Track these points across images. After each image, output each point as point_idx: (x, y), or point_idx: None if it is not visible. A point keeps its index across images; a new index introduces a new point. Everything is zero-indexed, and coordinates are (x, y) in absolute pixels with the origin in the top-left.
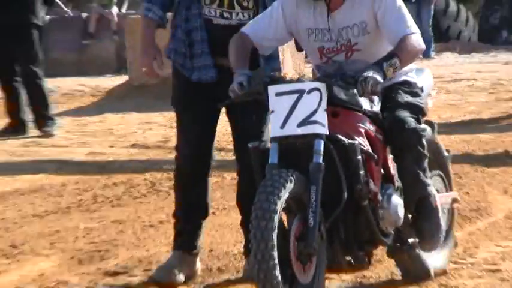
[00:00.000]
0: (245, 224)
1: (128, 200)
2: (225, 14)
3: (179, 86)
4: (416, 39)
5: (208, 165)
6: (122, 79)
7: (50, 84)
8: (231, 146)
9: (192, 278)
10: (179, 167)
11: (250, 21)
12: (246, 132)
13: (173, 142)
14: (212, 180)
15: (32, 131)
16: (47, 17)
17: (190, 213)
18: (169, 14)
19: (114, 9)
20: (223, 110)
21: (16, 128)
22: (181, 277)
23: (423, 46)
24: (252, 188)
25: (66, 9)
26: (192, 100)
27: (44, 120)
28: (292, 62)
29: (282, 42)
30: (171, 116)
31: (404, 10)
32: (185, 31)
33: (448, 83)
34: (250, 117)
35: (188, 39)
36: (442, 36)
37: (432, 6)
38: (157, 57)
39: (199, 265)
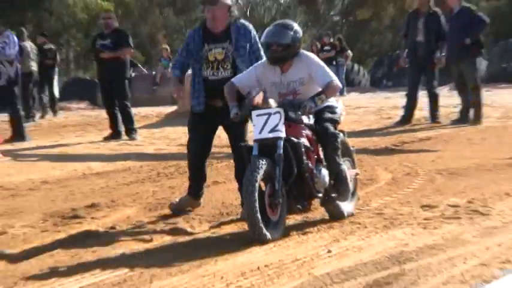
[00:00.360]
0: (240, 188)
1: (176, 175)
2: (215, 74)
3: (190, 114)
4: (336, 83)
5: (205, 158)
6: (173, 108)
7: (134, 110)
8: None
9: (196, 208)
10: (189, 158)
11: (237, 76)
12: (236, 137)
13: None
14: (222, 163)
15: (124, 137)
16: (133, 74)
17: (196, 179)
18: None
19: (170, 69)
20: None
21: (114, 135)
22: (187, 207)
23: (340, 86)
24: (243, 168)
25: (143, 69)
26: (194, 123)
27: (130, 131)
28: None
29: (254, 88)
30: None
31: (327, 68)
32: (193, 84)
33: (353, 109)
34: (237, 129)
35: (194, 88)
36: (349, 83)
37: (344, 67)
38: (180, 91)
39: (201, 203)
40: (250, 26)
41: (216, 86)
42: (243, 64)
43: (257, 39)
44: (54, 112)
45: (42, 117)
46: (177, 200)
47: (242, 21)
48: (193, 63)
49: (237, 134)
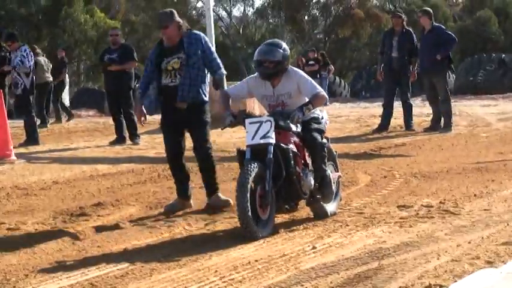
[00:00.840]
0: (204, 169)
1: None
2: (173, 81)
3: (161, 117)
4: (322, 94)
5: (181, 157)
6: None
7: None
8: (229, 149)
9: (188, 208)
10: (168, 160)
11: (231, 86)
12: (199, 139)
13: None
14: (216, 166)
15: (128, 142)
16: (137, 85)
17: (179, 180)
18: None
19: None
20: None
21: (119, 140)
22: (180, 206)
23: (326, 97)
24: (205, 167)
25: None
26: (165, 125)
27: (134, 136)
28: (258, 107)
29: (245, 98)
30: None
31: (312, 80)
32: (157, 90)
33: (336, 118)
34: (200, 132)
35: (159, 96)
36: (332, 94)
37: (327, 80)
38: (142, 112)
39: (192, 203)
40: (201, 35)
41: (175, 91)
42: (194, 69)
43: (209, 46)
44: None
45: (56, 122)
46: (171, 202)
47: (194, 32)
48: (156, 74)
49: (199, 138)
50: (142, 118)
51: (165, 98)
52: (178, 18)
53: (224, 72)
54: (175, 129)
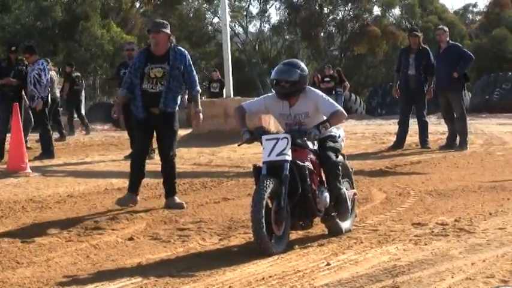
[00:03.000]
0: (165, 172)
1: (190, 191)
2: (153, 87)
3: (134, 118)
4: (341, 112)
5: (145, 156)
6: (188, 130)
7: None
8: (244, 165)
9: (135, 204)
10: (132, 157)
11: (248, 101)
12: (165, 147)
13: (215, 163)
14: (232, 181)
15: None
16: None
17: (136, 176)
18: None
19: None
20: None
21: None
22: (129, 202)
23: (345, 115)
24: (168, 174)
25: None
26: (137, 125)
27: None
28: (274, 123)
29: (261, 115)
30: (214, 149)
31: (330, 99)
32: (134, 95)
33: (351, 135)
34: (168, 140)
35: (136, 99)
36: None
37: (343, 97)
38: (119, 112)
39: (138, 199)
40: (186, 52)
41: (153, 97)
42: (175, 82)
43: (191, 63)
44: (86, 127)
45: (70, 134)
46: (122, 196)
47: (179, 48)
48: (138, 78)
49: (166, 144)
50: (115, 115)
51: (143, 102)
52: (169, 31)
53: (199, 90)
54: (146, 132)
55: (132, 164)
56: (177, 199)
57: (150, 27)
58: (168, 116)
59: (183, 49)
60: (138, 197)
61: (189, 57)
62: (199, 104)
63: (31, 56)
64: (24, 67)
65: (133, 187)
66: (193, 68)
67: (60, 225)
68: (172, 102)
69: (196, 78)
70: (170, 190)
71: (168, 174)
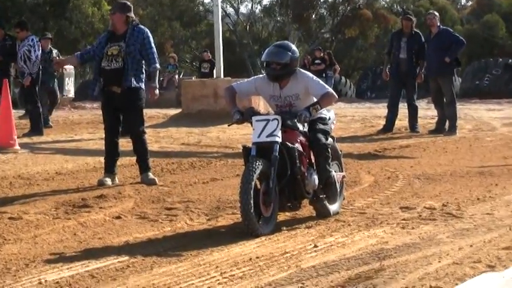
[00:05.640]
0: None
1: (178, 171)
2: (109, 65)
3: (101, 101)
4: (331, 94)
5: (117, 135)
6: (178, 110)
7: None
8: (233, 146)
9: (114, 182)
10: (105, 137)
11: (238, 82)
12: (132, 122)
13: (204, 143)
14: (220, 162)
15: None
16: None
17: (110, 156)
18: None
19: (176, 75)
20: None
21: (124, 133)
22: (109, 182)
23: (336, 96)
24: (136, 144)
25: None
26: (103, 105)
27: None
28: (264, 104)
29: (251, 96)
30: (203, 129)
31: (320, 81)
32: (96, 72)
33: (340, 117)
34: (133, 115)
35: (94, 77)
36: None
37: (333, 79)
38: (61, 66)
39: (117, 180)
40: (145, 30)
41: (110, 74)
42: (130, 58)
43: (150, 40)
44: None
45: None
46: (101, 178)
47: (140, 26)
48: (98, 56)
49: (132, 122)
50: (56, 66)
51: (104, 80)
52: (129, 13)
53: (158, 66)
54: (112, 110)
55: (105, 144)
56: (151, 175)
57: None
58: (129, 93)
59: (143, 27)
60: (116, 177)
61: (148, 34)
62: (156, 80)
63: (22, 31)
64: (10, 42)
65: (109, 167)
66: (152, 45)
67: (48, 202)
68: (133, 79)
69: (155, 56)
70: (143, 166)
71: (139, 151)
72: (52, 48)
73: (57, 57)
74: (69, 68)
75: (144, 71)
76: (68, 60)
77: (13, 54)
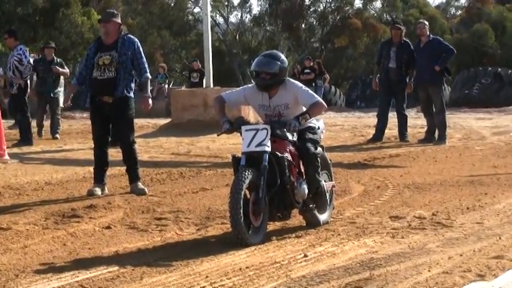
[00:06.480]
0: (126, 160)
1: (168, 181)
2: (102, 74)
3: (90, 111)
4: (320, 103)
5: (106, 145)
6: (168, 120)
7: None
8: (223, 155)
9: (104, 192)
10: (94, 147)
11: (227, 91)
12: (122, 132)
13: (194, 153)
14: (210, 171)
15: None
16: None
17: (100, 165)
18: None
19: (166, 85)
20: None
21: (113, 143)
22: (98, 192)
23: (325, 106)
24: (125, 154)
25: None
26: (92, 115)
27: None
28: (253, 114)
29: (240, 106)
30: (193, 139)
31: (309, 90)
32: (88, 84)
33: (330, 127)
34: (123, 125)
35: (86, 87)
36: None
37: (322, 89)
38: (67, 101)
39: (106, 190)
40: (135, 40)
41: (102, 84)
42: (123, 68)
43: (140, 50)
44: None
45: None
46: (91, 187)
47: (130, 36)
48: (89, 68)
49: (122, 132)
50: (65, 104)
51: (94, 90)
52: (119, 21)
53: (149, 76)
54: (102, 120)
55: (94, 154)
56: (140, 185)
57: (100, 17)
58: (120, 103)
59: (133, 37)
60: (106, 187)
61: (138, 44)
62: (148, 90)
63: (10, 38)
64: None
65: (98, 177)
66: (142, 55)
67: (38, 212)
68: (122, 89)
69: (146, 65)
70: (133, 176)
71: (129, 161)
72: (55, 58)
73: (57, 67)
74: (60, 78)
75: (134, 80)
76: (70, 92)
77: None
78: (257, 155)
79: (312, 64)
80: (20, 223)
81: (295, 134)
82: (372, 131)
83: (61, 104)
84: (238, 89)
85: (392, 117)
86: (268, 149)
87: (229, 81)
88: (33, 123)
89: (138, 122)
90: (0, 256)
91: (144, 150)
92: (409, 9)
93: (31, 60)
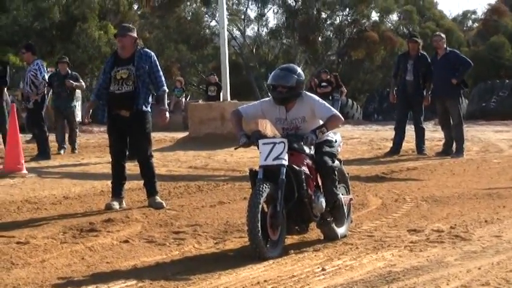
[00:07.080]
0: (144, 174)
1: (185, 194)
2: (119, 88)
3: (107, 125)
4: (337, 116)
5: (124, 159)
6: (185, 133)
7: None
8: (240, 169)
9: (121, 206)
10: (112, 161)
11: (244, 105)
12: (139, 146)
13: (211, 166)
14: (228, 185)
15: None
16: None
17: (117, 180)
18: None
19: (183, 99)
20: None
21: (131, 157)
22: (116, 206)
23: (342, 119)
24: (143, 168)
25: None
26: (110, 129)
27: None
28: (270, 127)
29: (257, 119)
30: (210, 153)
31: (326, 104)
32: (105, 98)
33: (347, 140)
34: (140, 139)
35: (103, 101)
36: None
37: (339, 102)
38: (87, 117)
39: (124, 204)
40: (151, 54)
41: (120, 98)
42: (141, 81)
43: (157, 64)
44: None
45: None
46: (109, 201)
47: (145, 49)
48: (106, 82)
49: (139, 146)
50: (86, 120)
51: (111, 104)
52: (135, 35)
53: (166, 89)
54: (119, 134)
55: (111, 168)
56: (158, 198)
57: (117, 32)
58: (138, 117)
59: (149, 51)
60: (124, 201)
61: (155, 58)
62: (166, 103)
63: (27, 53)
64: (1, 68)
65: (116, 191)
66: (159, 68)
67: (56, 226)
68: (142, 103)
69: (163, 79)
70: (150, 190)
71: (147, 175)
72: (70, 71)
73: (71, 80)
74: (77, 92)
75: (151, 94)
76: (89, 108)
77: (2, 78)
78: (275, 169)
79: (328, 77)
80: (38, 237)
81: (312, 147)
82: (390, 144)
83: (78, 119)
84: (255, 102)
85: (410, 130)
86: (285, 162)
87: (247, 94)
88: (51, 137)
89: (155, 135)
90: (19, 270)
91: (162, 164)
92: (426, 22)
93: (46, 76)
